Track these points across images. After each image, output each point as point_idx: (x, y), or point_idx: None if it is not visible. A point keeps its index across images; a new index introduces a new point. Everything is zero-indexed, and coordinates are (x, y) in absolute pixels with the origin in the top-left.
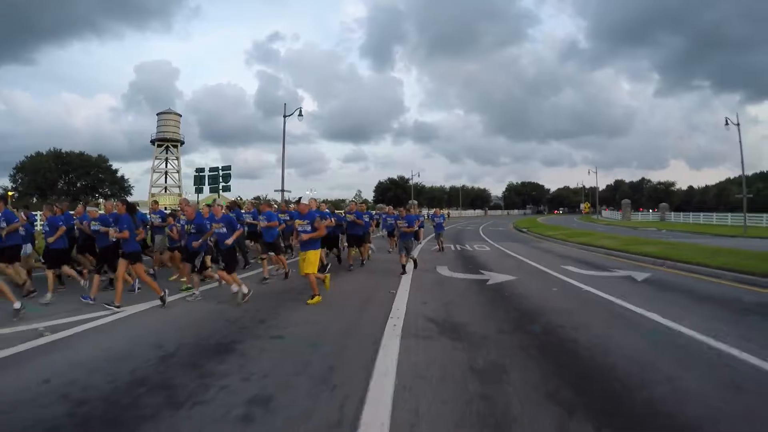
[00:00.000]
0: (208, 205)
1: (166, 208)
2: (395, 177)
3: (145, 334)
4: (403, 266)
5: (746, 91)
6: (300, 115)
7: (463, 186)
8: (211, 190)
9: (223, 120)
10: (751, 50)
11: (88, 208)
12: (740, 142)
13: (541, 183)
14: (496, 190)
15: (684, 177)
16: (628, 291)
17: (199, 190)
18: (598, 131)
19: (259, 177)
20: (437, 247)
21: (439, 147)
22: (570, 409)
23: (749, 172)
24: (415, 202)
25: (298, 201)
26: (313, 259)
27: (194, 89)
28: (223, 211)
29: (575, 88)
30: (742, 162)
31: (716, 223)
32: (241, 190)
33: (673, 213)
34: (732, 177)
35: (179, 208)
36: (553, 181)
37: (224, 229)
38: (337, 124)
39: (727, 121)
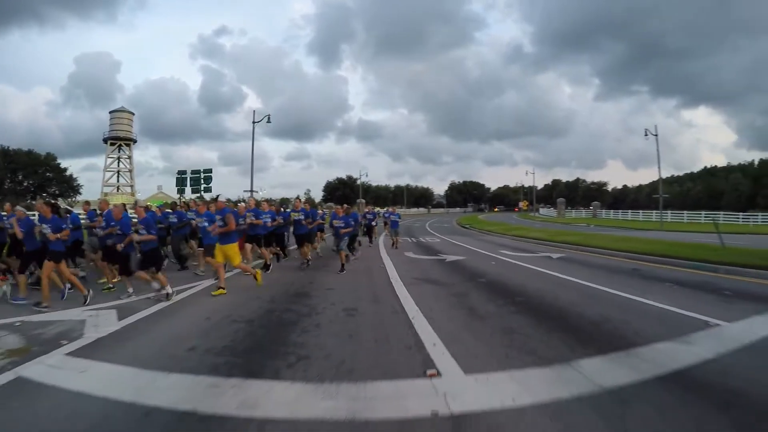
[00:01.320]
0: (159, 206)
1: (95, 210)
2: (342, 176)
3: (244, 292)
4: (342, 264)
5: (682, 97)
6: (269, 121)
7: (408, 185)
8: (193, 191)
9: (165, 116)
10: (688, 60)
11: (16, 208)
12: (658, 150)
13: (482, 182)
14: (438, 189)
15: (620, 176)
16: (544, 263)
17: (180, 191)
18: (539, 132)
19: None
20: (392, 243)
21: (382, 146)
22: (500, 304)
23: (682, 173)
24: (363, 200)
25: (216, 199)
26: (232, 252)
27: (136, 83)
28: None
29: (518, 90)
30: (659, 168)
31: (642, 219)
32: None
33: (604, 210)
34: (664, 177)
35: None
36: (493, 179)
37: (144, 231)
38: (281, 121)
39: (646, 132)
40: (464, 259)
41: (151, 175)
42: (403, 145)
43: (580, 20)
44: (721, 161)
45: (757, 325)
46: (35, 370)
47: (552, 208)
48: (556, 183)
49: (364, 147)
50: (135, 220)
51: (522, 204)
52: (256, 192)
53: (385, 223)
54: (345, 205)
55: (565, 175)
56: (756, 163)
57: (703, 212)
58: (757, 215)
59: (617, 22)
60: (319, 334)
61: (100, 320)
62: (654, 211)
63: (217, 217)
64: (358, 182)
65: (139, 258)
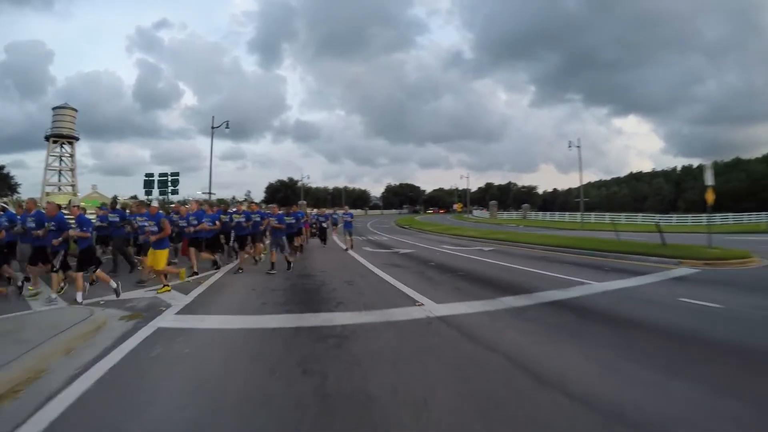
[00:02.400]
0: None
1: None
2: (277, 177)
3: (260, 276)
4: (272, 263)
5: (613, 106)
6: (227, 127)
7: (345, 187)
8: (161, 194)
9: (97, 111)
10: (619, 71)
11: None
12: (579, 159)
13: (417, 184)
14: (374, 191)
15: (552, 180)
16: (477, 253)
17: (148, 193)
18: (474, 136)
19: (132, 174)
20: (346, 246)
21: (318, 147)
22: (448, 276)
23: (610, 177)
24: (304, 202)
25: (149, 203)
26: (161, 256)
27: (68, 75)
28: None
29: (456, 94)
30: (581, 175)
31: (567, 220)
32: (114, 187)
33: (534, 212)
34: (592, 181)
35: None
36: (428, 182)
37: (78, 230)
38: (218, 119)
39: (570, 144)
40: (414, 252)
41: (81, 173)
42: (340, 147)
43: (519, 30)
44: (648, 167)
45: (613, 283)
46: (164, 323)
47: (485, 210)
48: (489, 186)
49: (300, 148)
50: (70, 218)
51: (456, 206)
52: (198, 193)
53: (335, 224)
54: (277, 206)
55: (499, 178)
56: (678, 169)
57: (623, 214)
58: (672, 217)
59: (554, 34)
60: (339, 293)
61: (169, 296)
62: (578, 213)
63: (149, 222)
64: (299, 184)
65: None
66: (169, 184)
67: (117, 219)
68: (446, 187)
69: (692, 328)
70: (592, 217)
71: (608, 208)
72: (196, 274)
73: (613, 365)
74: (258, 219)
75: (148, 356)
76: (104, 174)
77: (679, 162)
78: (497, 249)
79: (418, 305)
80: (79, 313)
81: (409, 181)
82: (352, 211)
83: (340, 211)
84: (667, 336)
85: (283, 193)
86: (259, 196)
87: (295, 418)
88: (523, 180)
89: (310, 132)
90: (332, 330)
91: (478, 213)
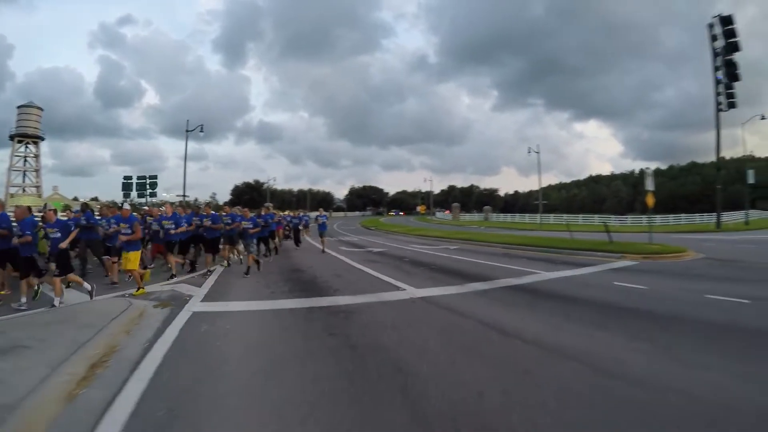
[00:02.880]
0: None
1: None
2: (239, 178)
3: (256, 273)
4: (248, 267)
5: (574, 111)
6: (201, 131)
7: (310, 189)
8: (139, 196)
9: (57, 109)
10: (581, 77)
11: None
12: (539, 163)
13: (380, 186)
14: (337, 193)
15: (513, 182)
16: (444, 251)
17: (126, 196)
18: (437, 139)
19: (91, 174)
20: (322, 247)
21: (281, 148)
22: (422, 269)
23: (570, 180)
24: (270, 204)
25: (121, 206)
26: (133, 258)
27: (28, 71)
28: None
29: (419, 98)
30: (539, 179)
31: (527, 221)
32: (74, 188)
33: (496, 214)
34: (553, 183)
35: None
36: (391, 184)
37: (59, 234)
38: (180, 119)
39: (529, 150)
40: (387, 250)
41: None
42: (303, 148)
43: (483, 35)
44: (607, 170)
45: (561, 273)
46: (196, 309)
47: (447, 212)
48: (452, 188)
49: (263, 149)
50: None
51: (420, 208)
52: (164, 195)
53: (306, 225)
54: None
55: (461, 181)
56: (636, 172)
57: (581, 215)
58: (626, 218)
59: (518, 40)
60: (333, 283)
61: (187, 289)
62: (538, 215)
63: (121, 224)
64: (265, 186)
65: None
66: (148, 187)
67: (85, 222)
68: (409, 189)
69: (618, 302)
70: (551, 218)
71: (568, 209)
72: (174, 276)
73: (556, 325)
74: (229, 221)
75: (199, 331)
76: (63, 174)
77: (637, 165)
78: (462, 247)
79: (401, 290)
80: (120, 303)
81: (372, 184)
82: (326, 213)
83: (314, 213)
84: (599, 308)
85: (249, 195)
86: (224, 197)
87: (339, 360)
88: (485, 182)
89: (273, 133)
90: (339, 308)
91: (441, 215)
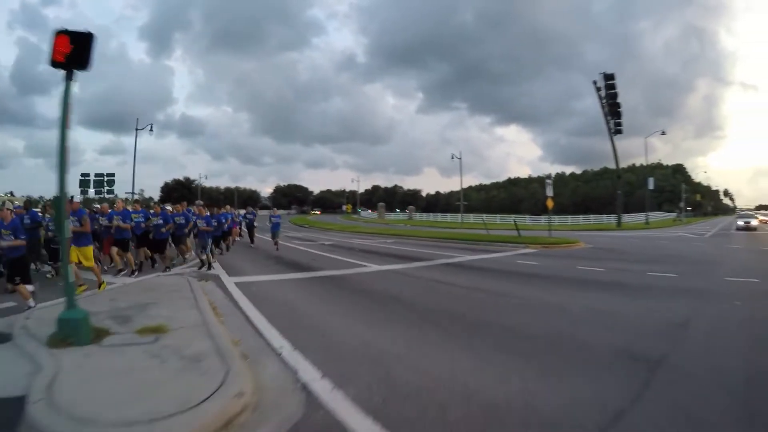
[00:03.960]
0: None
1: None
2: (169, 176)
3: (241, 257)
4: (202, 262)
5: (496, 116)
6: (151, 130)
7: (237, 187)
8: (96, 194)
9: None
10: (503, 84)
11: None
12: (461, 169)
13: (303, 185)
14: (259, 190)
15: (435, 183)
16: (383, 244)
17: (84, 193)
18: (361, 138)
19: (2, 167)
20: (275, 246)
21: (203, 143)
22: (369, 253)
23: (490, 182)
24: (201, 202)
25: (71, 200)
26: (88, 254)
27: None
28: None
29: (345, 97)
30: (461, 182)
31: (449, 220)
32: None
33: (418, 213)
34: (473, 185)
35: None
36: (313, 182)
37: (12, 236)
38: (99, 110)
39: (453, 156)
40: (337, 243)
41: None
42: (225, 144)
43: (411, 39)
44: (526, 173)
45: (479, 256)
46: (234, 281)
47: (371, 211)
48: (376, 188)
49: (185, 144)
50: None
51: (347, 207)
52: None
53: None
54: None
55: (383, 180)
56: (553, 175)
57: (499, 215)
58: (540, 218)
59: (445, 45)
60: (315, 263)
61: (203, 271)
62: (459, 214)
63: (72, 218)
64: (195, 184)
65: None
66: (105, 184)
67: (29, 221)
68: (333, 188)
69: (516, 271)
70: (471, 217)
71: (487, 210)
72: (135, 272)
73: (476, 280)
74: (183, 222)
75: (252, 291)
76: None
77: (554, 169)
78: (397, 241)
79: (368, 266)
80: (179, 279)
81: (295, 182)
82: (280, 214)
83: (242, 211)
84: (503, 273)
85: (179, 192)
86: (148, 194)
87: (353, 296)
88: (407, 182)
89: (195, 128)
90: (332, 276)
91: (366, 214)
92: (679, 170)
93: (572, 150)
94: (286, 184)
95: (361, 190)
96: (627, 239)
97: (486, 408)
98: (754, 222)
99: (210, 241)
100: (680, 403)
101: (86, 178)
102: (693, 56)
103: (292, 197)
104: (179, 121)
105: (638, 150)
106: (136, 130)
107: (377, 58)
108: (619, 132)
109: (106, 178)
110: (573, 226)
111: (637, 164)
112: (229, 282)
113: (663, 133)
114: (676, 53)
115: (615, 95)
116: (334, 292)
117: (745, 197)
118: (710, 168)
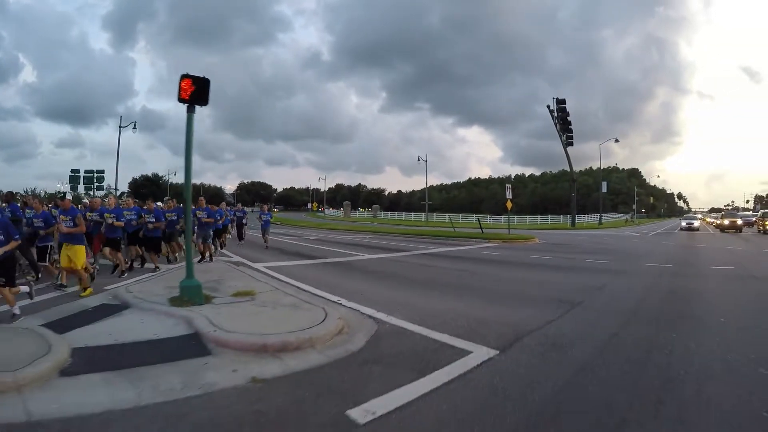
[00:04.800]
0: None
1: None
2: (146, 173)
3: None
4: (202, 254)
5: (458, 117)
6: (134, 128)
7: (203, 183)
8: (86, 189)
9: None
10: (466, 86)
11: None
12: (426, 171)
13: (266, 182)
14: (221, 187)
15: (396, 182)
16: (363, 239)
17: (74, 188)
18: (323, 136)
19: None
20: (264, 244)
21: (163, 138)
22: (353, 246)
23: (451, 182)
24: (170, 197)
25: (63, 197)
26: (80, 253)
27: None
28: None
29: (309, 94)
30: (426, 183)
31: (413, 219)
32: None
33: (382, 212)
34: (435, 185)
35: None
36: (275, 179)
37: (1, 237)
38: (57, 101)
39: (419, 158)
40: (320, 238)
41: None
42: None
43: (377, 38)
44: (486, 173)
45: (448, 248)
46: (263, 267)
47: (337, 210)
48: (339, 186)
49: (145, 138)
50: None
51: (312, 205)
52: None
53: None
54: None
55: (345, 178)
56: (512, 177)
57: (461, 214)
58: (501, 218)
59: (411, 46)
60: (317, 253)
61: (235, 258)
62: (423, 213)
63: (64, 217)
64: (163, 180)
65: None
66: (95, 180)
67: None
68: (297, 186)
69: (480, 258)
70: (434, 216)
71: (448, 209)
72: (124, 272)
73: (449, 263)
74: (174, 218)
75: (284, 271)
76: None
77: (514, 170)
78: (374, 237)
79: (361, 256)
80: (222, 263)
81: (255, 179)
82: (270, 212)
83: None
84: (470, 259)
85: (148, 188)
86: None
87: (364, 274)
88: (368, 181)
89: (155, 122)
90: (338, 262)
91: (331, 212)
92: (634, 174)
93: (532, 152)
94: (249, 181)
95: (326, 188)
96: (577, 237)
97: (477, 320)
98: (696, 223)
99: (211, 232)
100: (587, 319)
101: (76, 174)
102: (653, 65)
103: (255, 194)
104: (140, 114)
105: (597, 153)
106: (120, 126)
107: (342, 56)
108: (570, 144)
109: (96, 175)
110: (531, 226)
111: (594, 167)
112: (259, 266)
113: (616, 141)
114: (637, 61)
115: (566, 115)
116: (348, 273)
117: (699, 200)
118: (667, 172)
